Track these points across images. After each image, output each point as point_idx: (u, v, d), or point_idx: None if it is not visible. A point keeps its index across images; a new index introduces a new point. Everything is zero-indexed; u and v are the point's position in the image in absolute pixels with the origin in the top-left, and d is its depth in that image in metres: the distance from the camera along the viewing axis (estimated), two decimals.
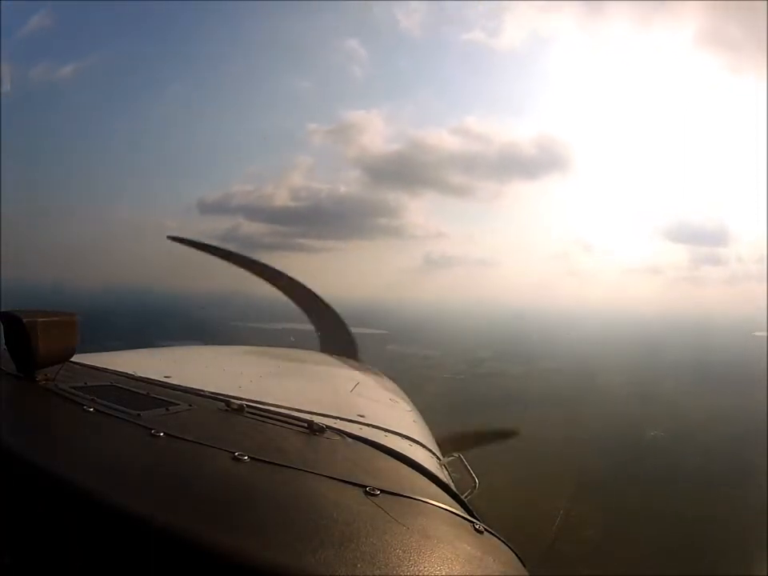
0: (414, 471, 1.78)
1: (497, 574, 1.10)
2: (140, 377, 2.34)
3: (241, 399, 2.09)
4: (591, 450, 24.54)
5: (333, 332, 4.77)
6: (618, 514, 17.98)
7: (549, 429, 26.34)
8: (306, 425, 1.83)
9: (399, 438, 2.24)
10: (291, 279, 4.80)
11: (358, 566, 0.91)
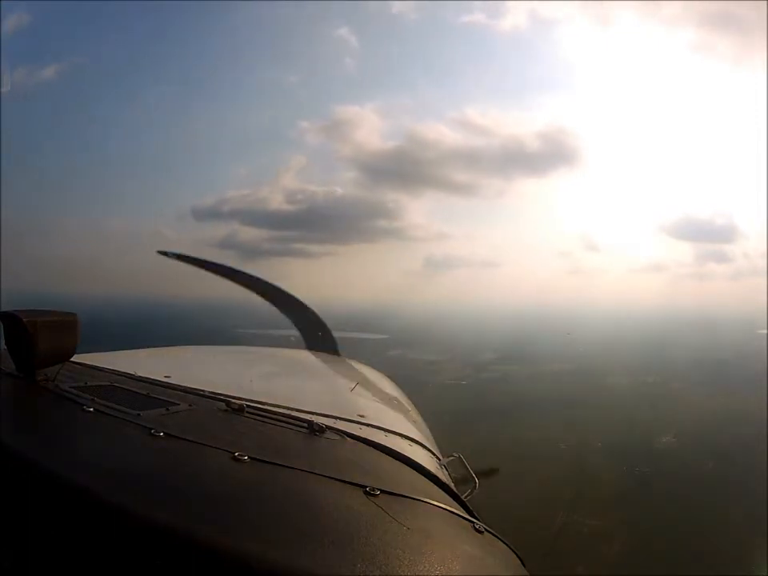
0: (413, 471, 1.78)
1: (497, 574, 1.11)
2: (140, 377, 2.33)
3: (241, 399, 2.08)
4: (605, 456, 23.96)
5: (314, 331, 4.85)
6: (641, 528, 17.33)
7: (559, 435, 25.76)
8: (306, 425, 1.83)
9: (399, 437, 2.24)
10: (267, 283, 4.90)
11: (358, 566, 0.91)
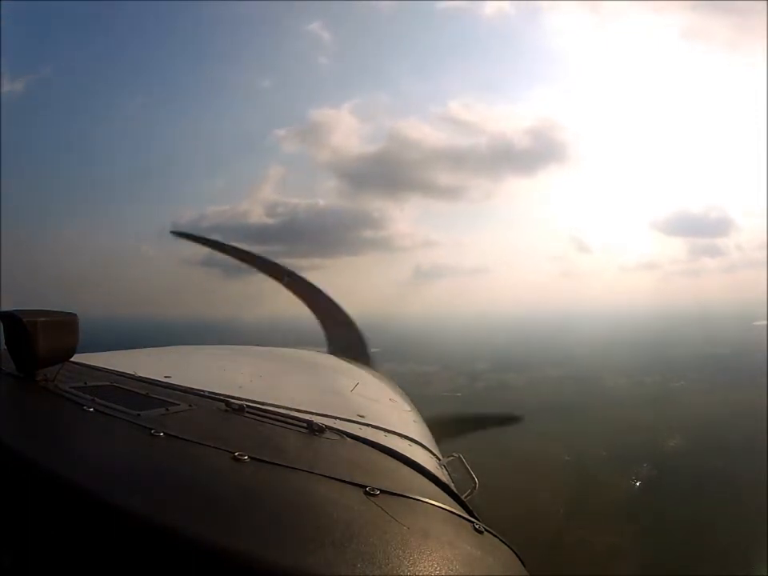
0: (413, 471, 1.79)
1: (497, 574, 1.11)
2: (140, 377, 2.35)
3: (241, 399, 2.09)
4: (610, 466, 23.04)
5: (342, 333, 4.72)
6: (654, 544, 16.46)
7: (563, 445, 24.92)
8: (305, 425, 1.84)
9: (399, 438, 2.24)
10: (292, 273, 4.65)
11: (358, 566, 0.92)
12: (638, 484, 21.79)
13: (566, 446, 25.43)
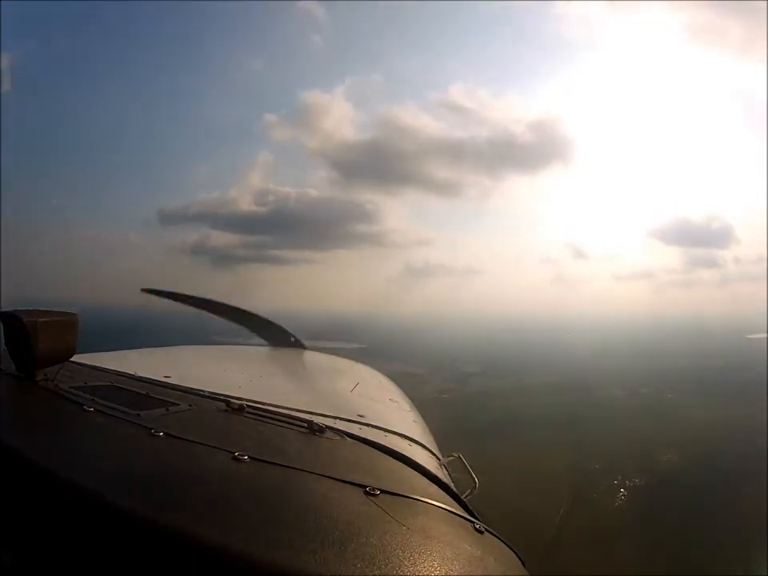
0: (413, 471, 1.78)
1: (497, 574, 1.11)
2: (140, 377, 2.35)
3: (241, 399, 2.09)
4: (604, 481, 22.59)
5: (269, 328, 4.88)
6: (643, 560, 16.25)
7: (552, 456, 24.40)
8: (306, 425, 1.84)
9: (399, 438, 2.24)
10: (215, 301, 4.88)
11: (358, 565, 0.92)
12: (625, 497, 21.58)
13: (556, 457, 25.06)
